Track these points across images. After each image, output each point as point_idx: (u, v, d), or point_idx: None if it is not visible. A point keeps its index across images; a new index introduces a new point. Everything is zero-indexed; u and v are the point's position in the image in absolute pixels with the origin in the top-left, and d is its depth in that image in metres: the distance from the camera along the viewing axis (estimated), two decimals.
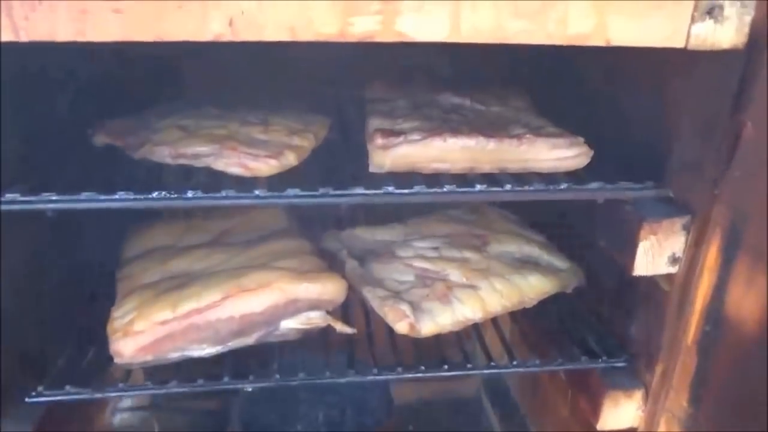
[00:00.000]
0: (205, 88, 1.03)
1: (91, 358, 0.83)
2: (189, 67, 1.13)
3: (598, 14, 0.60)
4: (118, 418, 1.38)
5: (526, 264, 1.04)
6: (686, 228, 0.71)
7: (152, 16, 0.53)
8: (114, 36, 0.53)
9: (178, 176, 0.74)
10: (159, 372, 0.83)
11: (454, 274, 0.98)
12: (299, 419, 1.27)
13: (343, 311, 0.97)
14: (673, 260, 0.72)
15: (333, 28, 0.56)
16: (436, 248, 1.06)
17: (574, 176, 0.78)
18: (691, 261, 0.73)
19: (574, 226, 1.09)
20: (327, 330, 0.91)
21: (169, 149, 0.75)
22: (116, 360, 0.78)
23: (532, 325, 0.97)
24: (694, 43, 0.63)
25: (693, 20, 0.61)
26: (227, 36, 0.55)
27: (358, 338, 0.91)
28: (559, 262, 1.05)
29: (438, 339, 0.91)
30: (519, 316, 0.98)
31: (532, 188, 0.75)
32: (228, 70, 1.18)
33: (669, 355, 0.76)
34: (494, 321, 0.98)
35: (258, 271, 0.87)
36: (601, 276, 1.00)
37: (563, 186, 0.76)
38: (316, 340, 0.89)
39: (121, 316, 0.81)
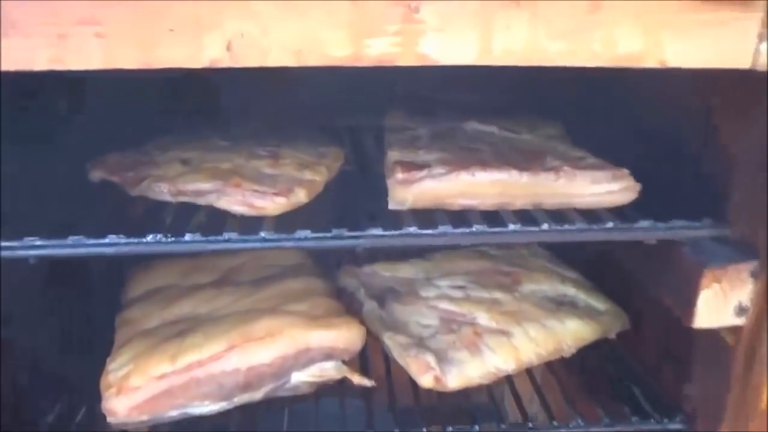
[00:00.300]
0: (214, 115, 0.97)
1: (83, 416, 0.75)
2: (196, 92, 1.08)
3: (651, 32, 0.52)
4: None
5: (561, 305, 0.94)
6: (754, 274, 0.62)
7: (140, 40, 0.47)
8: (96, 63, 0.47)
9: (178, 215, 0.68)
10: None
11: (483, 318, 0.89)
12: None
13: (360, 355, 0.88)
14: (740, 310, 0.63)
15: (346, 50, 0.49)
16: (461, 287, 0.97)
17: (618, 213, 0.70)
18: (760, 311, 0.63)
19: (614, 263, 1.00)
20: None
21: (168, 186, 0.69)
22: (110, 419, 0.71)
23: (570, 375, 0.87)
24: (762, 63, 0.54)
25: (761, 38, 0.53)
26: (225, 61, 0.48)
27: (378, 386, 0.83)
28: (599, 303, 0.95)
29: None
30: (554, 363, 0.88)
31: (573, 227, 0.66)
32: (237, 95, 1.12)
33: (736, 420, 0.66)
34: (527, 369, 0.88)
35: (266, 316, 0.80)
36: (648, 319, 0.90)
37: (609, 225, 0.67)
38: (330, 387, 0.81)
39: (116, 369, 0.74)
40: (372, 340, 0.89)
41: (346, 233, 0.64)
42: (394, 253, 1.09)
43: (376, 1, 0.48)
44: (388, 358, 0.89)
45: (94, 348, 0.85)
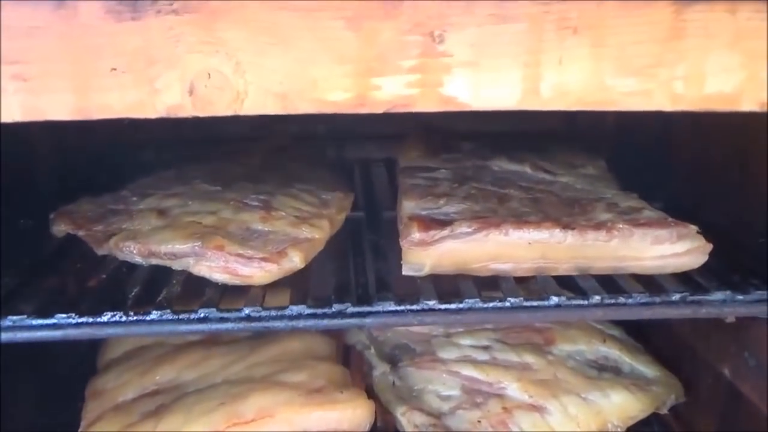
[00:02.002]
0: (203, 151, 0.86)
1: None
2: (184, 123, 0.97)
3: (749, 65, 0.39)
4: None
5: (603, 371, 0.81)
6: None
7: (72, 85, 0.35)
8: (17, 115, 0.35)
9: (147, 284, 0.56)
10: None
11: (513, 388, 0.76)
12: None
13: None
14: None
15: (347, 93, 0.37)
16: (486, 348, 0.84)
17: (683, 279, 0.57)
18: None
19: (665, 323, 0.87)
20: None
21: (138, 246, 0.57)
22: None
23: None
24: None
25: None
26: (186, 110, 0.37)
27: None
28: (648, 369, 0.82)
29: None
30: None
31: (630, 301, 0.53)
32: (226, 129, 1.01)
33: None
34: None
35: (258, 391, 0.68)
36: (706, 389, 0.77)
37: (674, 297, 0.54)
38: None
39: None
40: (383, 411, 0.76)
41: (350, 309, 0.52)
42: None
43: (387, 29, 0.36)
44: None
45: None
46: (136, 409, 0.69)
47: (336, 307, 0.52)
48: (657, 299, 0.54)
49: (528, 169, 0.76)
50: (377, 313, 0.52)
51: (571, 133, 1.05)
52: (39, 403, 0.83)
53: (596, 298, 0.54)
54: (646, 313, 0.53)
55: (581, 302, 0.53)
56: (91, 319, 0.49)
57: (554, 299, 0.53)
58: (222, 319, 0.50)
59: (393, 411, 0.74)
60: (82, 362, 0.82)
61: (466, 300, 0.53)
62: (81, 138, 0.78)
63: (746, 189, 0.66)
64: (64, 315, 0.49)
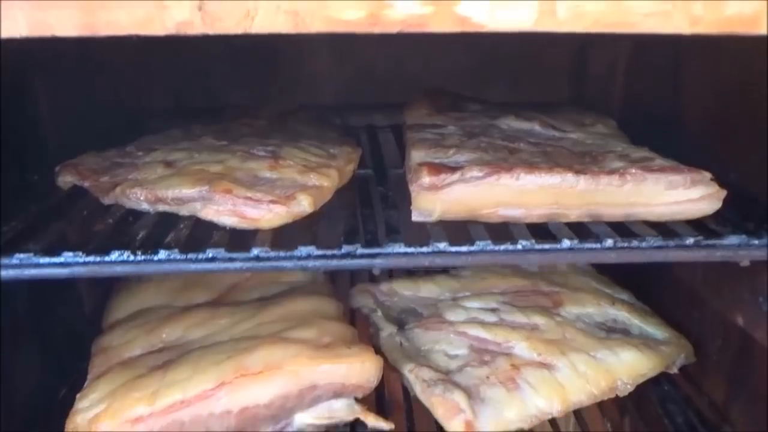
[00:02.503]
0: (212, 113, 0.85)
1: None
2: (193, 87, 0.96)
3: None
4: None
5: (612, 333, 0.81)
6: None
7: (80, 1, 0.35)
8: (21, 30, 0.35)
9: (155, 228, 0.55)
10: None
11: (521, 347, 0.76)
12: None
13: (376, 388, 0.76)
14: None
15: (359, 12, 0.37)
16: (494, 310, 0.84)
17: (698, 227, 0.56)
18: None
19: (671, 278, 0.86)
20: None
21: (145, 192, 0.57)
22: None
23: (623, 418, 0.73)
24: None
25: None
26: (196, 26, 0.36)
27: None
28: (657, 331, 0.81)
29: None
30: (605, 403, 0.74)
31: (643, 245, 0.53)
32: (241, 91, 1.01)
33: None
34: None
35: (265, 346, 0.67)
36: (717, 349, 0.76)
37: (688, 242, 0.53)
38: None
39: (86, 408, 0.62)
40: (390, 370, 0.76)
41: (360, 251, 0.51)
42: (416, 269, 0.97)
43: None
44: (408, 393, 0.76)
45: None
46: (143, 363, 0.68)
47: (345, 249, 0.51)
48: (671, 243, 0.53)
49: (537, 127, 0.75)
50: (387, 254, 0.51)
51: (579, 102, 1.04)
52: (43, 363, 0.83)
53: (609, 241, 0.53)
54: (660, 256, 0.52)
55: (594, 245, 0.53)
56: (98, 258, 0.48)
57: (566, 242, 0.53)
58: (231, 259, 0.49)
59: (400, 369, 0.73)
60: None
61: (477, 242, 0.52)
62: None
63: (759, 148, 0.65)
64: (71, 253, 0.48)
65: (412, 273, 0.96)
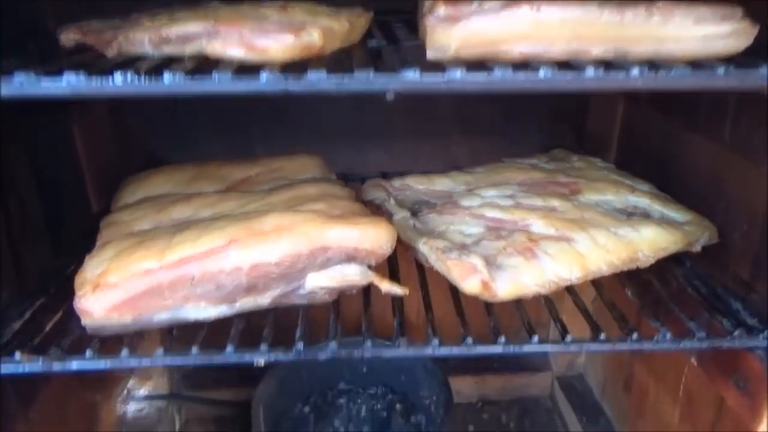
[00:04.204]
0: None
1: (58, 321, 0.63)
2: None
3: None
4: (132, 409, 1.20)
5: (632, 216, 0.78)
6: None
7: None
8: None
9: (158, 64, 0.53)
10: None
11: (538, 225, 0.74)
12: (338, 416, 1.05)
13: (390, 270, 0.74)
14: None
15: None
16: (510, 196, 0.82)
17: (728, 62, 0.53)
18: None
19: (696, 167, 0.83)
20: (370, 292, 0.69)
21: (149, 34, 0.55)
22: (85, 321, 0.58)
23: (646, 290, 0.71)
24: None
25: None
26: None
27: (409, 305, 0.68)
28: (679, 215, 0.79)
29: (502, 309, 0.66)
30: (624, 276, 0.72)
31: (671, 73, 0.50)
32: None
33: None
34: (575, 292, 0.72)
35: (277, 212, 0.66)
36: (740, 233, 0.73)
37: (719, 71, 0.50)
38: (353, 299, 0.66)
39: (94, 266, 0.61)
40: (403, 249, 0.74)
41: (373, 76, 0.49)
42: (429, 168, 0.94)
43: None
44: (423, 272, 0.74)
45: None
46: (153, 234, 0.67)
47: (358, 74, 0.49)
48: (701, 71, 0.50)
49: None
50: (401, 79, 0.49)
51: None
52: (54, 249, 0.83)
53: (635, 71, 0.50)
54: (689, 82, 0.50)
55: (619, 74, 0.50)
56: (99, 80, 0.46)
57: (591, 71, 0.50)
58: (237, 81, 0.47)
59: (414, 244, 0.71)
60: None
61: (496, 70, 0.50)
62: None
63: None
64: (73, 74, 0.46)
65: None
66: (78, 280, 0.59)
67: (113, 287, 0.58)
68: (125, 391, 1.19)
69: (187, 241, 0.61)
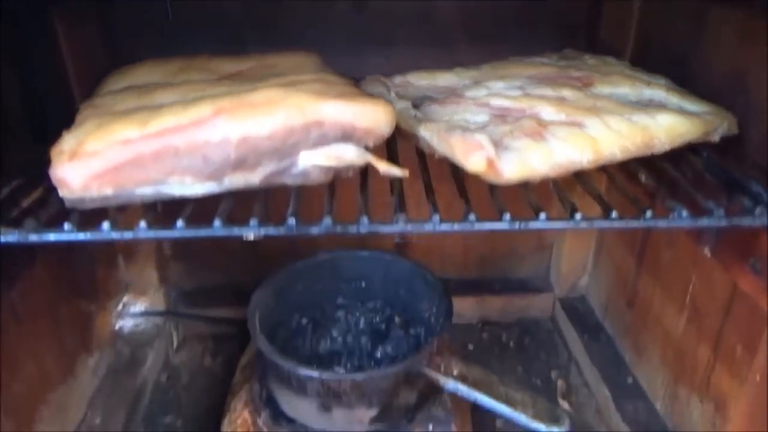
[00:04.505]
0: None
1: (38, 197, 0.59)
2: None
3: None
4: (129, 324, 1.18)
5: (649, 106, 0.73)
6: None
7: None
8: None
9: None
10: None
11: (547, 112, 0.69)
12: (335, 327, 1.03)
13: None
14: None
15: None
16: (519, 87, 0.77)
17: None
18: None
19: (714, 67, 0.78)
20: (367, 175, 0.65)
21: None
22: (62, 193, 0.54)
23: (661, 176, 0.67)
24: None
25: None
26: None
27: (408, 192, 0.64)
28: (697, 106, 0.74)
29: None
30: (636, 163, 0.67)
31: None
32: None
33: None
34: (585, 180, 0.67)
35: (269, 87, 0.61)
36: (762, 132, 0.69)
37: None
38: (351, 182, 0.63)
39: (71, 138, 0.57)
40: (403, 139, 0.70)
41: None
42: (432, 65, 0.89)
43: None
44: (424, 160, 0.70)
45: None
46: (136, 111, 0.63)
47: None
48: None
49: None
50: None
51: None
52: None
53: None
54: None
55: None
56: None
57: None
58: None
59: (415, 131, 0.67)
60: None
61: None
62: None
63: None
64: None
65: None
66: (54, 150, 0.55)
67: (91, 156, 0.54)
68: (121, 306, 1.18)
69: (172, 112, 0.57)
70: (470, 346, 1.24)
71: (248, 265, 1.25)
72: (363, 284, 1.08)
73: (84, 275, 1.01)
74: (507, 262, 1.31)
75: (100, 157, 0.54)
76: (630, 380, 1.07)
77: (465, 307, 1.28)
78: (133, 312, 1.20)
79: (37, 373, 0.86)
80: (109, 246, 1.12)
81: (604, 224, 0.54)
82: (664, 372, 0.98)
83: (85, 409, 0.99)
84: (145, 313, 1.21)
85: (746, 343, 0.76)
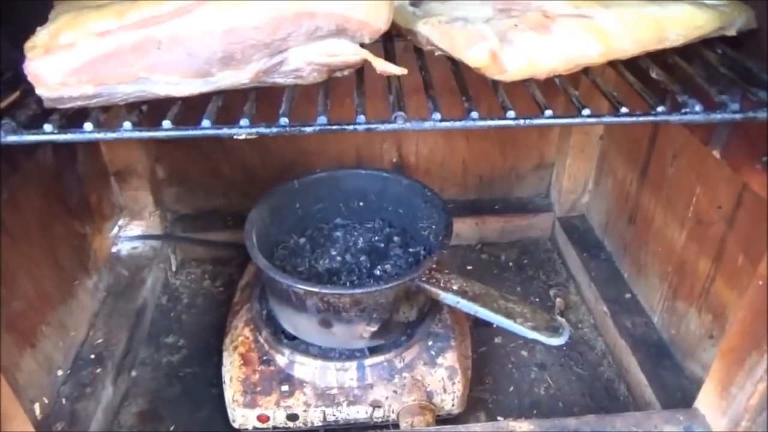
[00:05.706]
0: None
1: (14, 99, 0.56)
2: None
3: None
4: (127, 247, 1.17)
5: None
6: None
7: None
8: None
9: None
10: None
11: (554, 4, 0.65)
12: (334, 246, 1.02)
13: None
14: None
15: None
16: None
17: None
18: None
19: None
20: (363, 75, 0.61)
21: None
22: (39, 90, 0.51)
23: (672, 71, 0.63)
24: None
25: None
26: None
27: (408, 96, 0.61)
28: (714, 1, 0.69)
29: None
30: (646, 59, 0.64)
31: None
32: None
33: None
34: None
35: None
36: None
37: None
38: (346, 82, 0.59)
39: (46, 32, 0.53)
40: (404, 34, 0.66)
41: None
42: None
43: None
44: (422, 58, 0.66)
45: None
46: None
47: None
48: None
49: None
50: None
51: None
52: None
53: None
54: None
55: None
56: None
57: None
58: None
59: (415, 28, 0.63)
60: None
61: None
62: None
63: None
64: None
65: None
66: (28, 45, 0.52)
67: (67, 48, 0.50)
68: (116, 229, 1.16)
69: (151, 3, 0.53)
70: (469, 267, 1.24)
71: (244, 192, 1.23)
72: (361, 203, 1.07)
73: (75, 196, 0.99)
74: (507, 182, 1.29)
75: (77, 50, 0.50)
76: (628, 296, 1.07)
77: (464, 229, 1.27)
78: (130, 235, 1.19)
79: (35, 292, 0.85)
80: (101, 167, 1.09)
81: (614, 119, 0.51)
82: (663, 287, 0.97)
83: (86, 329, 0.99)
84: (142, 237, 1.20)
85: (749, 250, 0.75)
